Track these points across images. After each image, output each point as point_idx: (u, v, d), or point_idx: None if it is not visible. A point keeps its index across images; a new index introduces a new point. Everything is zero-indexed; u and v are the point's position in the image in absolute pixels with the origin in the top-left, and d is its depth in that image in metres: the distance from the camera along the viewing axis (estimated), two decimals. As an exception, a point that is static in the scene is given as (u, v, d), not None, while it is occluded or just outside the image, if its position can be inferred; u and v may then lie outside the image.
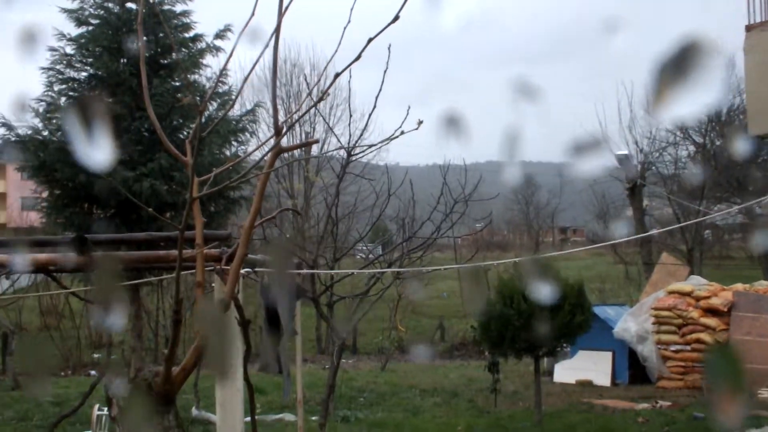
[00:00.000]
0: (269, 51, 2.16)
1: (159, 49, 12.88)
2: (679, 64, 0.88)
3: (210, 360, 1.95)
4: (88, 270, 4.37)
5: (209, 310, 2.37)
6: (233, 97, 13.12)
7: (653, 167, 26.08)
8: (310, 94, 9.10)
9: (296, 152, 17.59)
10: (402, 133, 2.70)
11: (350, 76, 7.81)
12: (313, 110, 19.79)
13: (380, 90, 7.39)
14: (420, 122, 2.87)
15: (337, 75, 2.02)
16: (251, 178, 4.61)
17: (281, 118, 2.64)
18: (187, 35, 13.69)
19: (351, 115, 9.25)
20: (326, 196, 10.68)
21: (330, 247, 9.78)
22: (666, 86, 0.90)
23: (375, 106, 8.04)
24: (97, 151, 1.59)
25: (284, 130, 2.25)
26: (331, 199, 9.71)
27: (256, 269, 4.88)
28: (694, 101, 0.88)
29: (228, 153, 13.44)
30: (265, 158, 2.57)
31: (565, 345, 12.04)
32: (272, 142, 2.32)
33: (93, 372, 16.07)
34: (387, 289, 10.27)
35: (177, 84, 12.99)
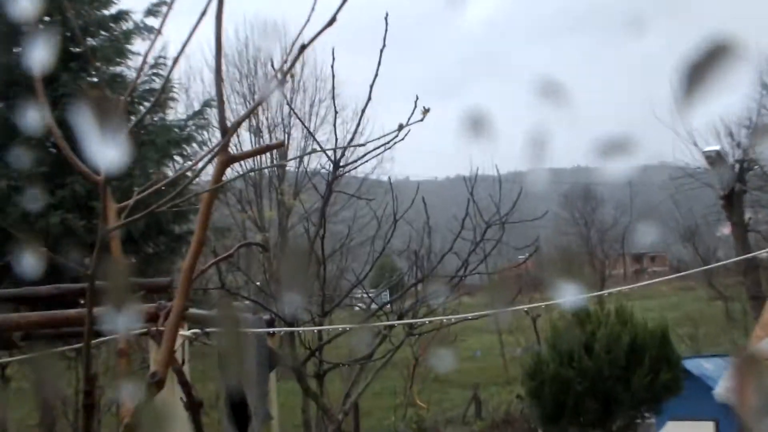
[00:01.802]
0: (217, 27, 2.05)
1: (69, 33, 12.69)
2: None
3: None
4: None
5: (139, 387, 2.22)
6: (171, 93, 12.95)
7: (756, 167, 25.69)
8: (276, 77, 9.14)
9: (260, 163, 17.12)
10: (400, 129, 2.57)
11: (333, 58, 8.14)
12: (287, 110, 19.78)
13: (376, 74, 7.66)
14: (426, 111, 2.73)
15: (304, 47, 1.88)
16: (193, 199, 4.47)
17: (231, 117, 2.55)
18: (107, 12, 13.62)
19: (336, 112, 9.41)
20: (309, 226, 10.45)
21: (316, 295, 9.64)
22: None
23: (369, 98, 8.22)
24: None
25: (234, 128, 2.07)
26: (315, 229, 9.69)
27: (208, 329, 4.73)
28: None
29: (171, 171, 13.31)
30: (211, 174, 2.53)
31: (647, 415, 11.96)
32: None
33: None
34: (398, 349, 10.13)
35: (95, 80, 12.83)
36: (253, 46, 24.35)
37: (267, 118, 22.42)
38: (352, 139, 10.03)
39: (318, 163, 19.62)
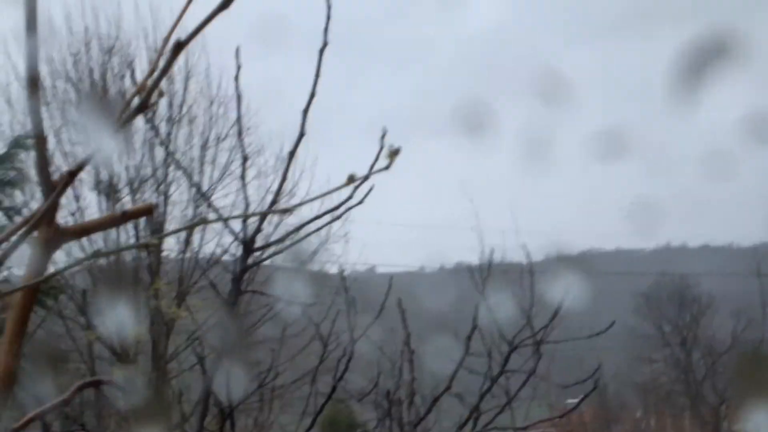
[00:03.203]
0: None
1: None
2: None
3: None
4: None
5: None
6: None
7: None
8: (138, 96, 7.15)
9: (115, 242, 16.22)
10: (350, 182, 2.28)
11: (238, 66, 7.39)
12: (162, 153, 17.67)
13: (313, 91, 6.81)
14: (394, 153, 2.39)
15: (181, 46, 1.88)
16: None
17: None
18: None
19: (246, 157, 8.77)
20: (203, 351, 9.40)
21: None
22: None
23: (302, 133, 7.18)
24: None
25: (64, 184, 2.08)
26: (213, 357, 9.10)
27: None
28: None
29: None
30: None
31: None
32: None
33: None
34: None
35: None
36: (99, 45, 20.67)
37: (128, 168, 19.06)
38: (274, 202, 8.32)
39: (218, 243, 17.87)
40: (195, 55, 19.34)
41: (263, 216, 8.06)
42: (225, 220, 10.57)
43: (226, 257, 15.96)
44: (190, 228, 19.63)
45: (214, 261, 16.37)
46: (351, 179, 2.29)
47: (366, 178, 2.69)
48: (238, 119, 8.40)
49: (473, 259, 10.51)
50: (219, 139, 19.54)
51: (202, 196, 17.20)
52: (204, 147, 19.51)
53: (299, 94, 7.10)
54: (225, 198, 18.35)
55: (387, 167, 2.52)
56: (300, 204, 9.30)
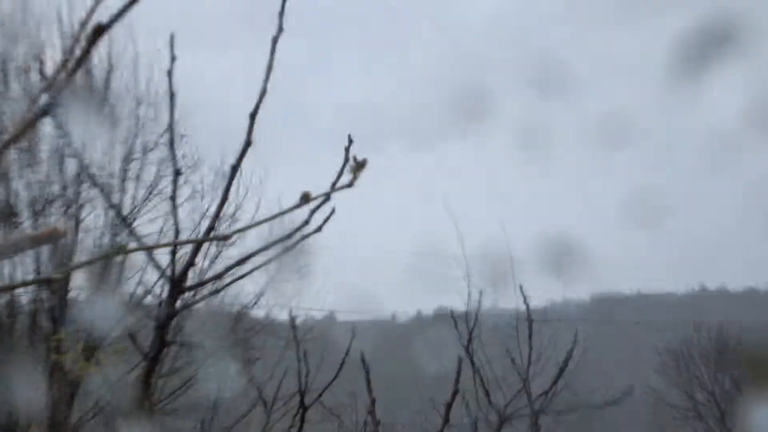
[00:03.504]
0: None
1: None
2: None
3: None
4: None
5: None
6: None
7: None
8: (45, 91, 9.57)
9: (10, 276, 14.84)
10: (305, 201, 2.24)
11: (173, 57, 6.33)
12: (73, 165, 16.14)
13: (266, 84, 5.88)
14: (358, 165, 2.53)
15: (101, 30, 1.73)
16: None
17: None
18: None
19: (179, 171, 7.74)
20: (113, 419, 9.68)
21: None
22: None
23: (249, 142, 6.39)
24: None
25: None
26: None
27: None
28: None
29: None
30: None
31: None
32: None
33: None
34: None
35: None
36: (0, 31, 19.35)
37: (30, 185, 16.62)
38: (211, 228, 7.08)
39: (140, 280, 16.09)
40: (119, 42, 17.37)
41: (197, 246, 6.82)
42: (149, 250, 9.53)
43: (149, 299, 14.70)
44: (105, 259, 17.48)
45: (134, 303, 14.89)
46: (306, 198, 2.16)
47: (326, 197, 2.56)
48: (171, 125, 6.91)
49: (457, 304, 9.59)
50: (146, 150, 17.48)
51: (122, 221, 15.85)
52: (127, 159, 17.40)
53: (249, 95, 6.23)
54: (151, 223, 16.43)
55: (351, 184, 2.39)
56: (243, 230, 8.28)
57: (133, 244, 11.43)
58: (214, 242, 11.55)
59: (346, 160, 3.76)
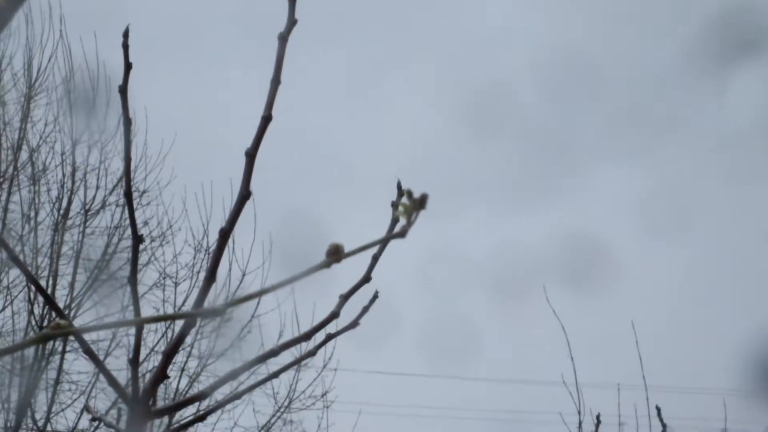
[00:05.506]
0: None
1: None
2: None
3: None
4: None
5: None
6: None
7: None
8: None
9: None
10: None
11: (126, 46, 5.90)
12: None
13: (269, 111, 5.44)
14: (418, 204, 1.55)
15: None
16: None
17: None
18: None
19: (141, 243, 6.44)
20: None
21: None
22: None
23: (248, 182, 5.31)
24: None
25: None
26: None
27: None
28: None
29: None
30: None
31: None
32: None
33: None
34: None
35: None
36: None
37: None
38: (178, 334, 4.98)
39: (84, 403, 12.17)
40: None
41: (173, 345, 5.17)
42: (99, 330, 7.94)
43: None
44: (31, 345, 13.48)
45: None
46: (337, 254, 1.40)
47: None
48: (127, 173, 5.37)
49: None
50: (87, 212, 12.95)
51: (58, 314, 12.58)
52: (58, 226, 12.94)
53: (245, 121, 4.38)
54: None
55: (403, 233, 1.61)
56: (244, 299, 6.98)
57: (72, 326, 8.99)
58: (200, 323, 8.86)
59: (400, 195, 2.86)
